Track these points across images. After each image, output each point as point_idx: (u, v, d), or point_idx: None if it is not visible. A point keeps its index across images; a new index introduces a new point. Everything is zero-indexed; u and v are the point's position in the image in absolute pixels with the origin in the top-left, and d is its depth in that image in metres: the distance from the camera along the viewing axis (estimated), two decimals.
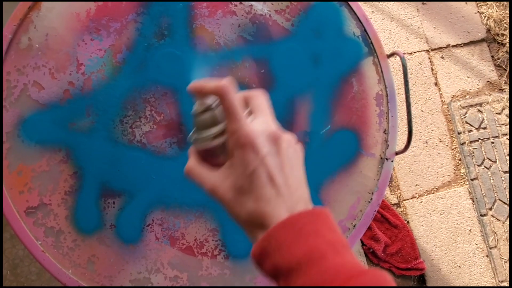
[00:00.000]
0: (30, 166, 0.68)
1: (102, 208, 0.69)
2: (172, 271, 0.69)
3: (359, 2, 0.81)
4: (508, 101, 1.64)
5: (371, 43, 0.81)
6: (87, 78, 0.72)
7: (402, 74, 0.76)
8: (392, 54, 0.80)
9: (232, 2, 0.78)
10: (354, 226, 0.74)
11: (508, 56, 1.69)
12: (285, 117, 0.76)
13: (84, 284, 0.66)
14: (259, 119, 0.36)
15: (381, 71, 0.80)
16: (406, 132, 0.75)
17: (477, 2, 1.72)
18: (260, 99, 0.38)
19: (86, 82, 0.72)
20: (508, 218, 1.55)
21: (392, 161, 0.78)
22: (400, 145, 0.77)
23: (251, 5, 0.78)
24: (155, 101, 0.73)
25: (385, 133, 0.79)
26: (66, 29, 0.72)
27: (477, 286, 1.48)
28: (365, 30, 0.81)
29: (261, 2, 0.78)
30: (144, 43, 0.74)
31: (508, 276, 1.50)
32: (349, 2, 0.81)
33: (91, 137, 0.70)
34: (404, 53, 1.71)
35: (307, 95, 0.77)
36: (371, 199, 0.75)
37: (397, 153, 0.78)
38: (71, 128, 0.70)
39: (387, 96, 0.80)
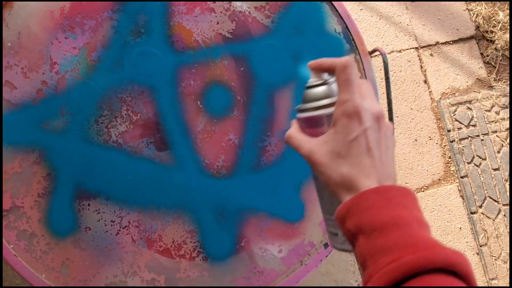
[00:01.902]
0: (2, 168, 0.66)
1: (77, 210, 0.67)
2: (149, 273, 0.67)
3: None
4: (498, 98, 1.64)
5: (353, 40, 0.79)
6: (61, 77, 0.70)
7: (390, 72, 0.75)
8: (373, 51, 0.79)
9: None
10: None
11: (497, 53, 1.68)
12: (265, 115, 0.75)
13: None
14: (367, 100, 0.39)
15: (363, 68, 0.79)
16: None
17: (467, 1, 1.72)
18: (369, 87, 0.42)
19: (60, 81, 0.70)
20: (498, 215, 1.54)
21: None
22: None
23: (230, 2, 0.77)
24: (131, 100, 0.71)
25: None
26: (39, 27, 0.71)
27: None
28: (347, 27, 0.79)
29: None
30: (120, 41, 0.73)
31: (499, 273, 1.49)
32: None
33: (65, 138, 0.69)
34: (393, 51, 1.70)
35: (287, 92, 0.76)
36: None
37: None
38: (44, 128, 0.68)
39: None
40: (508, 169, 1.58)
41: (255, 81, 0.75)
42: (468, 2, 1.72)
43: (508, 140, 1.61)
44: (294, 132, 0.44)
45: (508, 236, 1.52)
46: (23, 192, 0.66)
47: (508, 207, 1.55)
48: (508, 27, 1.69)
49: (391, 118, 0.73)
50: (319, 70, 0.43)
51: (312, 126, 0.43)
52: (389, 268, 0.31)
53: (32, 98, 0.69)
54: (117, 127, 0.70)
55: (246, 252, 0.70)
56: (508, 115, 1.63)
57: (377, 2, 1.64)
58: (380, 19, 1.63)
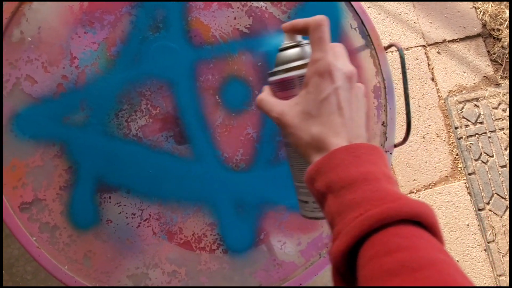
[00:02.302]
0: (23, 161, 0.67)
1: (98, 203, 0.68)
2: (170, 266, 0.68)
3: None
4: (504, 96, 1.65)
5: (368, 35, 0.80)
6: (81, 72, 0.71)
7: (400, 69, 0.76)
8: (389, 46, 0.79)
9: None
10: None
11: (504, 51, 1.69)
12: None
13: (80, 280, 0.65)
14: (340, 59, 0.39)
15: (379, 64, 0.79)
16: (403, 125, 0.75)
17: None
18: (342, 48, 0.41)
19: (80, 75, 0.70)
20: (506, 212, 1.55)
21: (391, 153, 0.77)
22: (398, 138, 0.77)
23: None
24: (150, 94, 0.72)
25: (384, 126, 0.78)
26: (59, 22, 0.71)
27: (470, 286, 1.48)
28: (362, 23, 0.80)
29: None
30: (138, 36, 0.73)
31: (506, 270, 1.50)
32: None
33: (85, 132, 0.69)
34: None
35: None
36: None
37: (395, 146, 0.77)
38: (65, 122, 0.69)
39: (385, 88, 0.79)
40: None
41: None
42: (474, 0, 1.73)
43: None
44: (265, 96, 0.42)
45: None
46: (45, 185, 0.67)
47: None
48: None
49: (408, 113, 0.74)
50: (293, 32, 0.41)
51: (284, 89, 0.41)
52: (356, 222, 0.31)
53: (52, 92, 0.69)
54: (136, 121, 0.71)
55: (265, 244, 0.70)
56: None
57: (385, 0, 1.65)
58: (387, 17, 1.64)
